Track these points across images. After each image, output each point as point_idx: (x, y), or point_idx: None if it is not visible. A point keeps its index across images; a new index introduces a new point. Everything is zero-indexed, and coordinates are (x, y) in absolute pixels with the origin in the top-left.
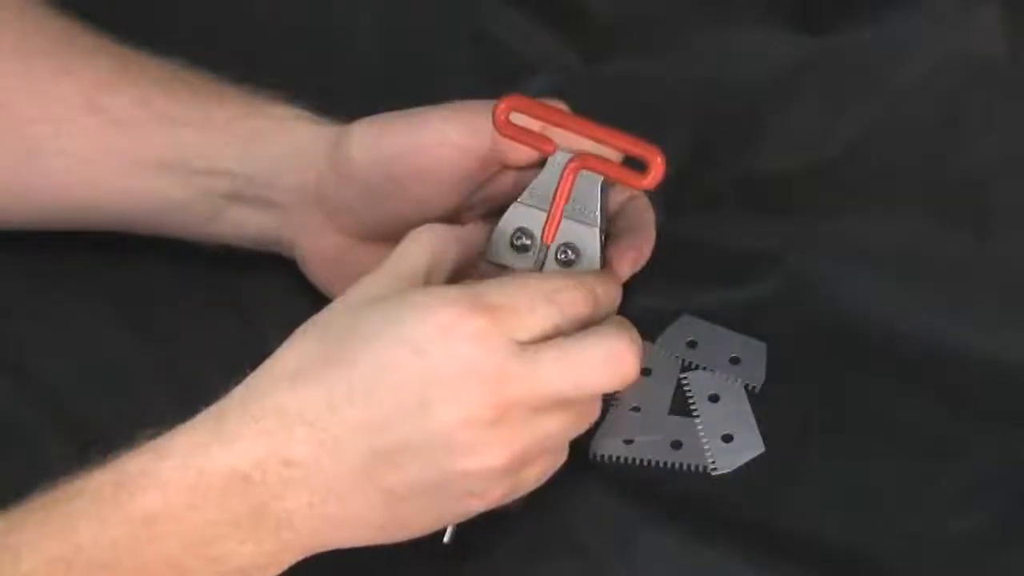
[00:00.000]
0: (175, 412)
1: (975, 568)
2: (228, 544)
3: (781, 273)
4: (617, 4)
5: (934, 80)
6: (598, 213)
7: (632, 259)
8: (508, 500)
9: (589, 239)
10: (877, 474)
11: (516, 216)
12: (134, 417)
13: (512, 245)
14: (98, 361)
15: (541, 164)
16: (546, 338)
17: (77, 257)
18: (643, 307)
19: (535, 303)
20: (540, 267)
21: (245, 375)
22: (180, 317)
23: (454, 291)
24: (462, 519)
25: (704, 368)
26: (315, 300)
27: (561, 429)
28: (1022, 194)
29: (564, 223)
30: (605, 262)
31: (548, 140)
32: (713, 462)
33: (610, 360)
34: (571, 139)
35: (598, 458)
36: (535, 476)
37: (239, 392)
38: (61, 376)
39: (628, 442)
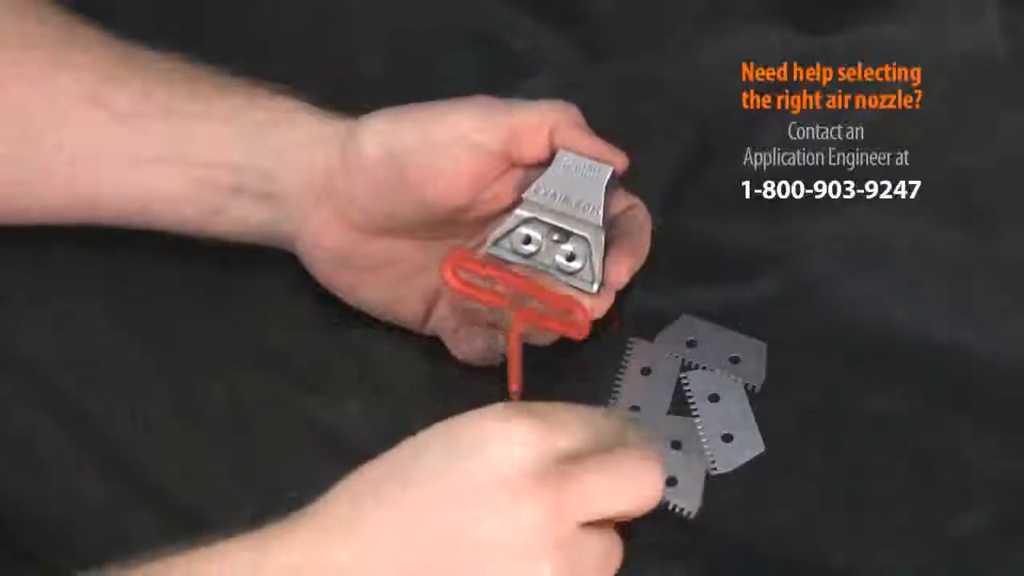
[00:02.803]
0: (174, 410)
1: (975, 568)
2: None
3: (781, 273)
4: (617, 4)
5: (934, 80)
6: (601, 213)
7: (629, 267)
8: None
9: (593, 239)
10: (876, 474)
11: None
12: (133, 415)
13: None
14: (98, 360)
15: (549, 161)
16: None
17: (77, 256)
18: (643, 307)
19: (573, 420)
20: (542, 265)
21: (245, 371)
22: (180, 317)
23: (501, 405)
24: None
25: (704, 368)
26: (318, 297)
27: (598, 556)
28: (1022, 194)
29: (568, 222)
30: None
31: (498, 296)
32: (713, 462)
33: (643, 467)
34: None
35: None
36: None
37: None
38: (60, 374)
39: None
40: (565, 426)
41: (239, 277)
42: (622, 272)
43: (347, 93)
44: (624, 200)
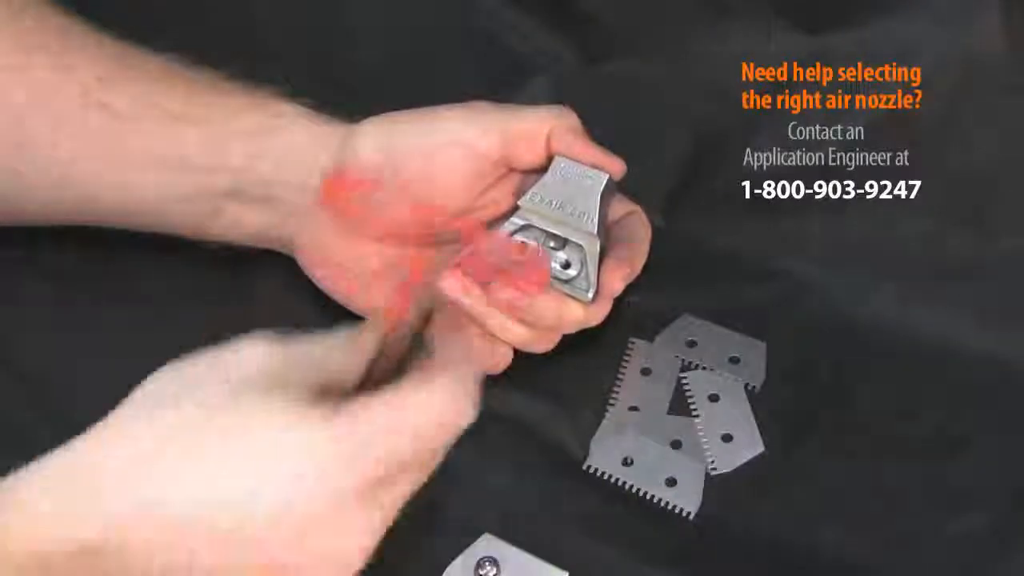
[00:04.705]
0: None
1: (974, 569)
2: None
3: (781, 273)
4: (617, 4)
5: (934, 80)
6: (596, 221)
7: (625, 274)
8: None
9: (588, 247)
10: (876, 474)
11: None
12: None
13: None
14: (97, 361)
15: (546, 167)
16: None
17: (76, 256)
18: (643, 307)
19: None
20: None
21: None
22: (178, 318)
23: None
24: None
25: (704, 368)
26: (316, 298)
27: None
28: (1022, 194)
29: (564, 229)
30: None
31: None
32: (713, 462)
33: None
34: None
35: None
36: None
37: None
38: (59, 375)
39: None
40: None
41: (240, 277)
42: (617, 281)
43: (347, 94)
44: (622, 207)
